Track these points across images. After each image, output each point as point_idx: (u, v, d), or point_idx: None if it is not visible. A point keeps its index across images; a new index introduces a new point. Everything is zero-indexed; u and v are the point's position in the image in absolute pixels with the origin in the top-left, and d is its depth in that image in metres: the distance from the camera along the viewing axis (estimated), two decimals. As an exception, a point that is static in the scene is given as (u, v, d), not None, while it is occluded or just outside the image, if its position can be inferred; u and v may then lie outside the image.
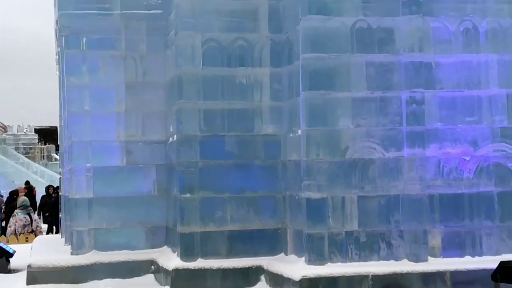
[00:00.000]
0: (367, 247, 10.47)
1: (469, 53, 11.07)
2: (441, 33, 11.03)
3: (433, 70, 10.94)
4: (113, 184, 12.64)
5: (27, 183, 31.51)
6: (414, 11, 10.75)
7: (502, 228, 11.05)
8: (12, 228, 20.14)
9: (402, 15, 10.70)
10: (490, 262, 10.02)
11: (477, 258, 10.72)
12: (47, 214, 25.66)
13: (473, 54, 11.07)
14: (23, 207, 21.10)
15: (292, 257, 11.09)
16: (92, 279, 11.68)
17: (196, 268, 11.03)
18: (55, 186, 27.53)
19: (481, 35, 11.08)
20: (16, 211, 20.99)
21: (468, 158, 10.97)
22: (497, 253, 10.85)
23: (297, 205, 10.85)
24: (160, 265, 11.74)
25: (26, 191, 27.43)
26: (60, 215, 17.57)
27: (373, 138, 10.60)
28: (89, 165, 12.54)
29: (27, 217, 20.68)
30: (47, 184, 33.61)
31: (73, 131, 12.72)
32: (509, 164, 11.13)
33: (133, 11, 12.54)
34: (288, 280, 10.10)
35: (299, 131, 10.76)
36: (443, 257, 10.71)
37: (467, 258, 10.78)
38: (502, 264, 9.16)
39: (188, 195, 11.29)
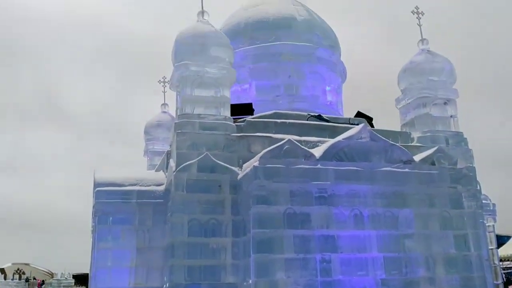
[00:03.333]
0: None
1: (358, 230, 12.79)
2: (340, 216, 12.78)
3: (335, 240, 12.53)
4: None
5: None
6: (323, 202, 12.75)
7: None
8: None
9: (315, 205, 12.69)
10: None
11: None
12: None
13: (360, 230, 12.80)
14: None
15: None
16: None
17: None
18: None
19: (365, 218, 12.90)
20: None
21: (361, 299, 12.19)
22: None
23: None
24: None
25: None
26: None
27: (299, 286, 12.02)
28: (108, 304, 13.59)
29: None
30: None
31: (98, 280, 14.02)
32: (388, 303, 12.37)
33: (144, 200, 14.45)
34: None
35: (250, 281, 12.09)
36: None
37: None
38: None
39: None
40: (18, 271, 69.38)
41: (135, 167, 16.78)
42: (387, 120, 20.68)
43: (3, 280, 64.95)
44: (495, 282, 16.37)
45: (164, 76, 22.66)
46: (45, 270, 76.73)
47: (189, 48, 15.17)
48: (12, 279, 65.67)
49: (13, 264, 73.77)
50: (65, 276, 68.31)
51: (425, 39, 18.04)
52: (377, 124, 18.31)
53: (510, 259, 44.75)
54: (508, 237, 48.37)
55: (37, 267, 76.40)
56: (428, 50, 17.87)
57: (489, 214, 18.51)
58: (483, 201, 16.76)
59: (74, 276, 69.12)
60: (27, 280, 65.81)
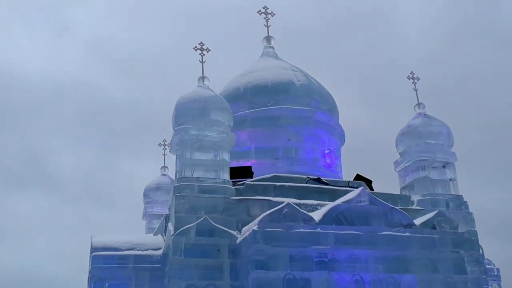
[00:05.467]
0: None
1: None
2: (341, 282, 12.50)
3: None
4: None
5: None
6: (323, 267, 12.44)
7: None
8: None
9: (315, 270, 12.42)
10: None
11: None
12: None
13: None
14: None
15: None
16: None
17: None
18: None
19: (366, 283, 12.60)
20: None
21: None
22: None
23: None
24: None
25: None
26: None
27: None
28: None
29: None
30: None
31: None
32: None
33: (141, 265, 14.11)
34: None
35: None
36: None
37: None
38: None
39: None
40: None
41: (127, 232, 16.43)
42: (387, 183, 20.65)
43: None
44: None
45: (164, 139, 22.96)
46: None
47: (189, 112, 15.45)
48: None
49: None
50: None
51: (421, 103, 18.37)
52: (377, 187, 18.32)
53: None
54: (515, 303, 46.89)
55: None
56: (424, 114, 18.15)
57: (494, 280, 18.09)
58: (487, 266, 16.42)
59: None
60: None
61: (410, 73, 18.81)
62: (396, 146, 18.37)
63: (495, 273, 18.30)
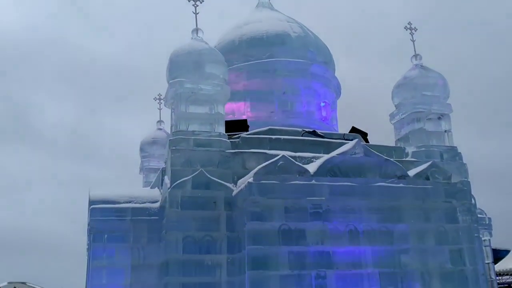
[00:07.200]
0: None
1: (353, 245, 12.75)
2: (335, 232, 12.71)
3: (331, 256, 12.51)
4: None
5: None
6: (318, 218, 12.69)
7: None
8: None
9: (310, 221, 12.65)
10: None
11: None
12: None
13: (355, 245, 12.76)
14: None
15: None
16: None
17: None
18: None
19: (360, 233, 12.87)
20: None
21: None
22: None
23: None
24: None
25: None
26: None
27: None
28: (102, 321, 13.43)
29: None
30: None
31: None
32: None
33: (139, 218, 14.32)
34: None
35: None
36: None
37: None
38: None
39: None
40: (15, 290, 69.07)
41: (124, 186, 16.47)
42: (382, 135, 20.74)
43: (-1, 299, 64.89)
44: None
45: (159, 93, 22.76)
46: (42, 289, 76.40)
47: (184, 65, 15.27)
48: (9, 298, 65.59)
49: (9, 283, 73.23)
50: (64, 295, 69.24)
51: (418, 54, 18.20)
52: (372, 139, 18.39)
53: (509, 273, 44.51)
54: (507, 251, 48.21)
55: (34, 285, 75.86)
56: (421, 66, 18.00)
57: (485, 228, 18.48)
58: (479, 215, 16.75)
59: (72, 295, 69.35)
60: (23, 299, 65.49)
61: (408, 23, 18.52)
62: (392, 99, 18.34)
63: (487, 222, 18.66)
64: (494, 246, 20.58)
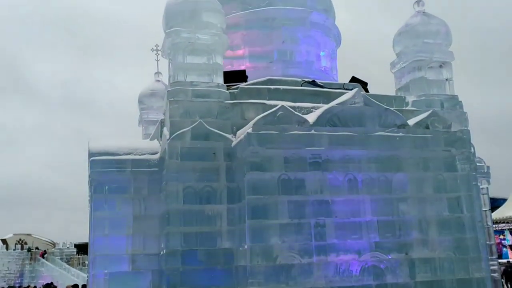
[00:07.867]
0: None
1: (352, 194, 12.86)
2: (334, 181, 12.82)
3: (330, 205, 12.64)
4: (122, 284, 13.94)
5: (76, 286, 31.02)
6: (317, 168, 12.76)
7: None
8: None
9: (309, 170, 12.72)
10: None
11: None
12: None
13: (354, 195, 12.87)
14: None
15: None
16: None
17: None
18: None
19: (359, 182, 12.96)
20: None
21: (355, 262, 12.50)
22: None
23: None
24: None
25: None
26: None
27: (293, 250, 12.19)
28: (106, 271, 13.93)
29: None
30: (82, 283, 37.77)
31: (96, 248, 14.16)
32: (381, 266, 12.70)
33: (139, 169, 14.41)
34: None
35: (246, 246, 12.21)
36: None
37: None
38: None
39: (172, 290, 12.46)
40: (20, 242, 70.48)
41: (122, 138, 16.44)
42: (383, 84, 20.55)
43: (5, 250, 66.14)
44: (487, 242, 16.57)
45: (156, 44, 22.38)
46: (47, 240, 77.90)
47: (180, 14, 14.94)
48: (14, 249, 66.99)
49: (14, 234, 74.68)
50: (67, 246, 70.46)
51: (420, 0, 17.74)
52: (373, 89, 18.22)
53: (505, 221, 45.35)
54: (504, 200, 48.86)
55: (39, 237, 77.32)
56: (423, 12, 17.60)
57: (483, 177, 18.60)
58: (477, 164, 16.82)
59: (76, 246, 70.69)
60: (29, 250, 66.93)
61: (410, -31, 17.96)
62: (393, 47, 18.02)
63: (485, 171, 18.79)
64: (492, 195, 20.74)
